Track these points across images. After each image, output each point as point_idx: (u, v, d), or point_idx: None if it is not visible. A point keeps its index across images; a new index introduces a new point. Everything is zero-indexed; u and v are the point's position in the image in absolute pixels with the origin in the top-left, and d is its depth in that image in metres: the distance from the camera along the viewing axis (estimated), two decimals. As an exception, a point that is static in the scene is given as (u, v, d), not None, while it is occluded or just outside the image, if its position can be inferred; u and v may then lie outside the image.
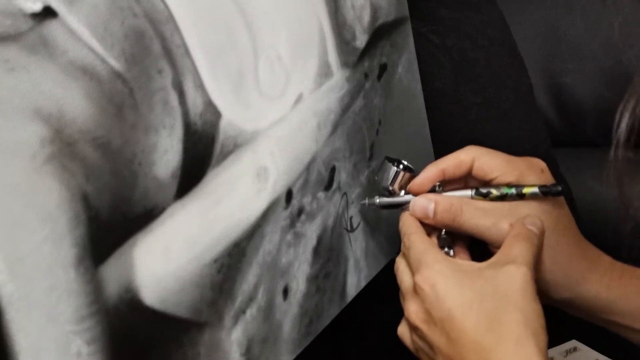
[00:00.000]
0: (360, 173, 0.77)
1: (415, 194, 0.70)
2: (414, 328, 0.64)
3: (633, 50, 0.62)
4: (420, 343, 0.64)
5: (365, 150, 0.78)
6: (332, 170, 0.73)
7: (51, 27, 0.48)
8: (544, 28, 1.01)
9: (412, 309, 0.63)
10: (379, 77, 0.80)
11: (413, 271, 0.64)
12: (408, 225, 0.68)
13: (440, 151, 0.88)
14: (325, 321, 0.72)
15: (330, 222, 0.73)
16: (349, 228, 0.76)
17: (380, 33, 0.79)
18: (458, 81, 0.98)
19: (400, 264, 0.67)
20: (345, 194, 0.75)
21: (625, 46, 0.62)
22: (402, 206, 0.71)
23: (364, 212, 0.77)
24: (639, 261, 0.71)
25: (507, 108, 0.99)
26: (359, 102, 0.76)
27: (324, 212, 0.72)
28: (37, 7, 0.47)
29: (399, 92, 0.83)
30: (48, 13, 0.47)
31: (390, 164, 0.71)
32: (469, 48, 0.98)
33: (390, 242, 0.82)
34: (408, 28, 0.84)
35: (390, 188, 0.71)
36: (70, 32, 0.49)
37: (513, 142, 0.97)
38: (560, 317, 0.65)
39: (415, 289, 0.63)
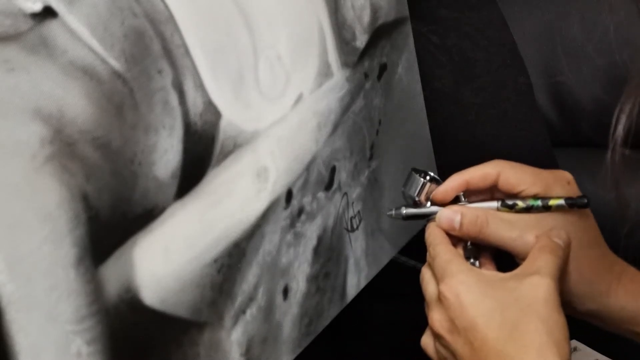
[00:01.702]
0: (361, 173, 0.77)
1: (439, 203, 0.70)
2: (437, 337, 0.64)
3: (628, 52, 0.62)
4: (443, 352, 0.64)
5: (365, 150, 0.78)
6: (332, 170, 0.73)
7: (51, 27, 0.48)
8: (544, 28, 1.00)
9: (436, 317, 0.64)
10: (379, 77, 0.80)
11: (438, 280, 0.65)
12: (434, 236, 0.69)
13: (440, 151, 0.88)
14: (325, 321, 0.72)
15: (330, 222, 0.73)
16: (349, 228, 0.76)
17: (380, 33, 0.79)
18: (458, 81, 0.98)
19: (426, 274, 0.68)
20: (345, 194, 0.75)
21: (621, 47, 0.62)
22: (428, 217, 0.71)
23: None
24: (635, 261, 0.71)
25: (507, 108, 0.99)
26: (359, 102, 0.76)
27: (324, 212, 0.72)
28: (37, 7, 0.47)
29: (399, 92, 0.83)
30: (48, 13, 0.47)
31: (416, 175, 0.71)
32: (469, 48, 0.98)
33: (390, 242, 0.82)
34: (408, 28, 0.84)
35: (417, 199, 0.71)
36: (70, 32, 0.49)
37: (513, 142, 0.97)
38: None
39: (440, 298, 0.63)
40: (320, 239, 0.71)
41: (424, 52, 0.93)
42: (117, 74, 0.51)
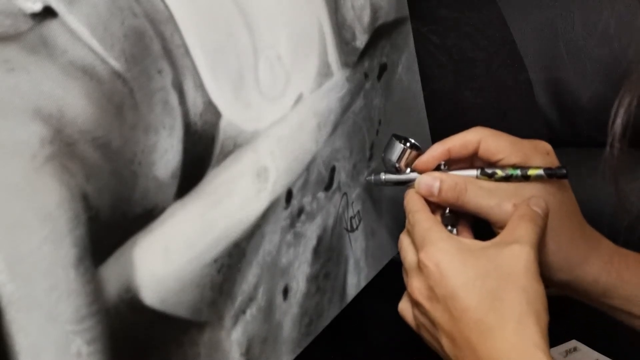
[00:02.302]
0: (360, 173, 0.77)
1: (421, 172, 0.70)
2: (416, 304, 0.64)
3: (629, 48, 0.62)
4: (422, 319, 0.64)
5: (365, 150, 0.78)
6: (332, 170, 0.73)
7: (51, 27, 0.48)
8: (544, 28, 1.00)
9: (416, 285, 0.64)
10: (379, 77, 0.80)
11: (417, 248, 0.65)
12: (413, 202, 0.69)
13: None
14: (325, 321, 0.72)
15: (330, 222, 0.73)
16: (349, 228, 0.76)
17: (380, 33, 0.79)
18: (458, 81, 0.98)
19: (404, 241, 0.68)
20: (345, 194, 0.75)
21: (622, 44, 0.62)
22: (408, 183, 0.71)
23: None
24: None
25: (507, 108, 0.99)
26: (359, 102, 0.76)
27: (324, 212, 0.72)
28: (37, 7, 0.47)
29: (399, 92, 0.83)
30: (48, 13, 0.47)
31: (397, 141, 0.71)
32: (469, 48, 0.98)
33: (390, 242, 0.82)
34: (408, 28, 0.84)
35: (397, 165, 0.71)
36: (70, 32, 0.49)
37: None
38: (560, 317, 0.65)
39: (419, 266, 0.63)
40: (320, 239, 0.71)
41: (424, 52, 0.93)
42: (117, 74, 0.51)
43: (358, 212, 0.77)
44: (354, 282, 0.76)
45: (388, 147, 0.72)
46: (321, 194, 0.71)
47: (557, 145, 1.01)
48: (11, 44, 0.45)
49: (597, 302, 0.70)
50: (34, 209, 0.46)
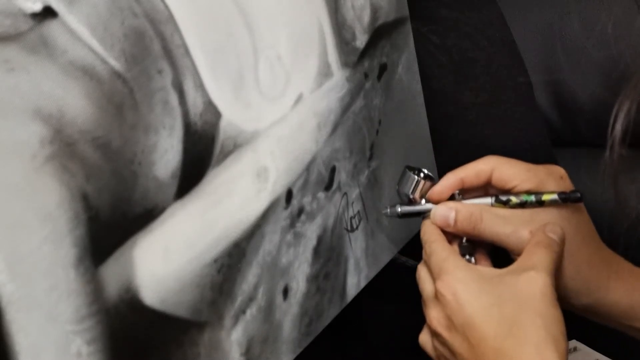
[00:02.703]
0: (360, 173, 0.77)
1: (435, 202, 0.70)
2: (435, 334, 0.64)
3: (627, 50, 0.62)
4: (441, 349, 0.64)
5: (365, 150, 0.78)
6: (332, 170, 0.73)
7: (51, 27, 0.48)
8: (544, 28, 1.00)
9: (434, 315, 0.64)
10: (379, 77, 0.80)
11: (434, 278, 0.65)
12: (429, 233, 0.69)
13: (440, 151, 0.88)
14: (325, 321, 0.72)
15: (330, 222, 0.73)
16: (349, 228, 0.76)
17: (380, 33, 0.79)
18: (458, 81, 0.98)
19: (422, 271, 0.68)
20: (345, 194, 0.75)
21: (620, 45, 0.62)
22: (423, 214, 0.71)
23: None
24: (635, 259, 0.71)
25: (507, 108, 0.99)
26: (359, 102, 0.76)
27: (324, 212, 0.72)
28: (37, 7, 0.47)
29: (399, 92, 0.83)
30: (48, 13, 0.47)
31: (410, 173, 0.72)
32: (469, 48, 0.98)
33: (390, 243, 0.82)
34: (408, 28, 0.84)
35: (411, 197, 0.71)
36: (70, 32, 0.49)
37: (513, 142, 0.97)
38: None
39: (437, 296, 0.64)
40: (320, 239, 0.71)
41: (424, 52, 0.93)
42: (117, 74, 0.51)
43: (358, 212, 0.77)
44: (354, 282, 0.76)
45: (401, 179, 0.72)
46: (321, 194, 0.71)
47: (557, 145, 1.01)
48: (11, 44, 0.45)
49: (619, 325, 0.70)
50: (34, 209, 0.46)
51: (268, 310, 0.65)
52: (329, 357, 0.79)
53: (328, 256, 0.73)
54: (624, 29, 0.63)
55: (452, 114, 0.97)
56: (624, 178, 0.62)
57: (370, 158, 0.79)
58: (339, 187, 0.74)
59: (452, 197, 0.71)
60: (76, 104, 0.48)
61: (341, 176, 0.74)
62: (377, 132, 0.79)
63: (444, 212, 0.69)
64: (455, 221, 0.68)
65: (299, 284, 0.69)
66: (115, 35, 0.51)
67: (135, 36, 0.53)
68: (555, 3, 1.00)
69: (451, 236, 0.70)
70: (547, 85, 1.01)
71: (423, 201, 0.72)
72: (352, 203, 0.76)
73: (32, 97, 0.46)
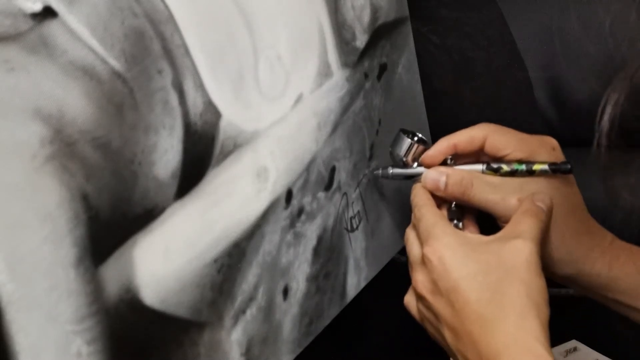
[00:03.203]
0: (360, 173, 0.77)
1: (428, 166, 0.71)
2: (420, 298, 0.65)
3: (622, 46, 0.63)
4: (425, 312, 0.65)
5: (365, 150, 0.78)
6: (332, 170, 0.73)
7: (51, 27, 0.48)
8: (544, 28, 1.01)
9: (419, 279, 0.64)
10: (379, 77, 0.80)
11: (422, 242, 0.65)
12: (419, 197, 0.69)
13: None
14: (325, 321, 0.72)
15: (330, 222, 0.73)
16: (349, 228, 0.76)
17: (380, 33, 0.79)
18: (458, 81, 0.98)
19: (410, 235, 0.68)
20: (345, 194, 0.75)
21: (616, 42, 0.62)
22: (414, 177, 0.72)
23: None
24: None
25: (507, 108, 0.99)
26: (359, 102, 0.76)
27: (324, 212, 0.72)
28: (37, 7, 0.47)
29: (399, 92, 0.83)
30: (48, 13, 0.47)
31: (404, 136, 0.72)
32: (469, 48, 0.98)
33: (390, 242, 0.82)
34: (408, 28, 0.84)
35: (404, 159, 0.72)
36: (70, 32, 0.49)
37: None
38: (560, 317, 0.65)
39: (423, 260, 0.64)
40: (320, 239, 0.71)
41: (424, 52, 0.93)
42: (117, 74, 0.51)
43: (358, 212, 0.77)
44: (354, 282, 0.76)
45: (395, 141, 0.73)
46: (321, 194, 0.71)
47: (557, 145, 1.01)
48: (11, 44, 0.45)
49: (600, 297, 0.71)
50: (34, 209, 0.46)
51: (268, 310, 0.65)
52: (329, 357, 0.79)
53: (328, 256, 0.73)
54: (621, 25, 0.63)
55: (452, 114, 0.97)
56: (616, 172, 0.63)
57: (370, 158, 0.79)
58: (339, 187, 0.74)
59: (444, 163, 0.71)
60: (76, 104, 0.48)
61: (341, 176, 0.74)
62: (377, 132, 0.79)
63: (435, 176, 0.70)
64: (446, 185, 0.69)
65: (299, 284, 0.69)
66: (115, 35, 0.51)
67: (135, 36, 0.53)
68: (556, 2, 1.00)
69: (440, 201, 0.70)
70: (547, 84, 1.01)
71: (415, 164, 0.72)
72: (352, 203, 0.76)
73: (32, 97, 0.46)
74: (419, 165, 0.72)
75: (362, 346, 0.84)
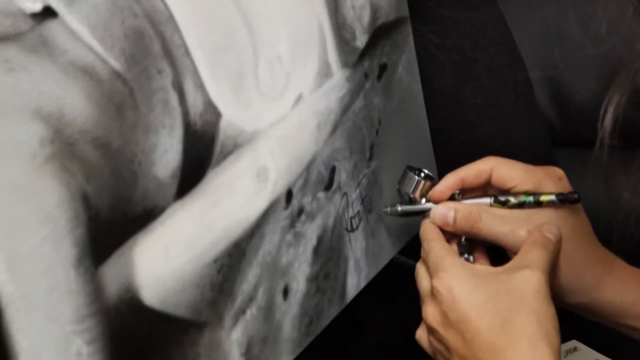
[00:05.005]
0: (360, 173, 0.77)
1: (436, 202, 0.71)
2: (431, 330, 0.65)
3: (620, 47, 0.63)
4: (437, 345, 0.65)
5: (365, 150, 0.78)
6: (332, 170, 0.73)
7: (51, 27, 0.48)
8: (544, 28, 1.01)
9: (430, 311, 0.65)
10: (379, 77, 0.80)
11: (431, 275, 0.66)
12: (428, 232, 0.70)
13: (440, 151, 0.88)
14: (325, 321, 0.72)
15: (330, 222, 0.73)
16: (349, 228, 0.76)
17: (380, 33, 0.79)
18: (458, 81, 0.98)
19: (420, 269, 0.69)
20: (345, 194, 0.75)
21: (614, 42, 0.62)
22: (423, 214, 0.72)
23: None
24: (629, 253, 0.71)
25: (507, 108, 0.99)
26: (359, 102, 0.76)
27: (324, 212, 0.72)
28: (37, 7, 0.47)
29: (399, 92, 0.83)
30: (48, 13, 0.47)
31: (411, 173, 0.73)
32: (469, 48, 0.98)
33: (390, 242, 0.82)
34: (408, 28, 0.84)
35: (412, 196, 0.73)
36: (70, 32, 0.49)
37: (513, 142, 0.97)
38: (560, 317, 0.66)
39: (433, 293, 0.64)
40: (320, 239, 0.71)
41: (424, 52, 0.93)
42: (117, 74, 0.51)
43: (358, 212, 0.77)
44: (354, 282, 0.76)
45: (402, 178, 0.74)
46: (321, 194, 0.71)
47: (557, 145, 1.01)
48: (11, 44, 0.45)
49: (613, 323, 0.71)
50: (34, 209, 0.46)
51: (268, 310, 0.65)
52: (329, 357, 0.79)
53: (328, 256, 0.73)
54: (618, 25, 0.63)
55: (452, 114, 0.97)
56: (618, 172, 0.63)
57: (370, 158, 0.79)
58: (339, 187, 0.74)
59: (452, 197, 0.71)
60: (76, 104, 0.48)
61: (341, 176, 0.74)
62: (377, 132, 0.79)
63: (444, 212, 0.70)
64: (455, 220, 0.69)
65: (299, 284, 0.69)
66: (115, 35, 0.51)
67: (135, 36, 0.53)
68: (556, 2, 1.00)
69: (450, 235, 0.70)
70: (546, 84, 1.01)
71: (423, 200, 0.72)
72: (352, 203, 0.76)
73: (32, 97, 0.46)
74: (427, 201, 0.72)
75: (362, 346, 0.84)
